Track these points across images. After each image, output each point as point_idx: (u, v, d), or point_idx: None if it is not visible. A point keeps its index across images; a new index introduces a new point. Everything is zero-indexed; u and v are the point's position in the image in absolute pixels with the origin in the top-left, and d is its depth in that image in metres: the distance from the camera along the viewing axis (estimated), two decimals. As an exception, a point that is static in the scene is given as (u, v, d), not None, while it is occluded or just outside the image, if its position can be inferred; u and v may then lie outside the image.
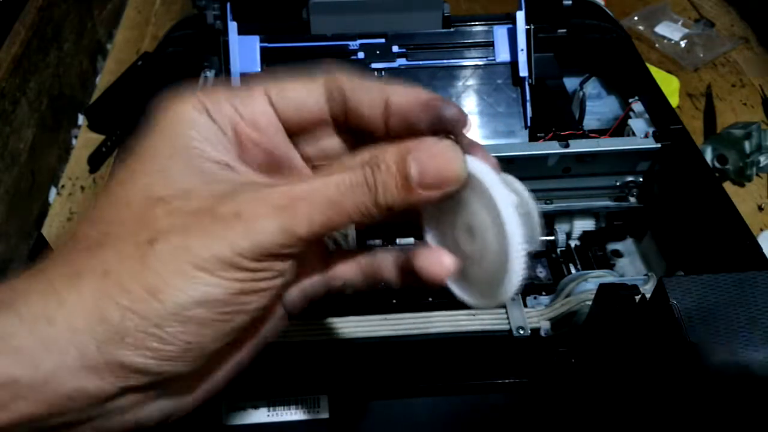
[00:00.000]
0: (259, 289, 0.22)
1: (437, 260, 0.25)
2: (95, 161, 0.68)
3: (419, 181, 0.22)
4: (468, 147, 0.24)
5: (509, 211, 0.23)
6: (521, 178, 0.25)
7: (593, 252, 0.52)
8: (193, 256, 0.21)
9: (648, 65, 0.59)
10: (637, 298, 0.36)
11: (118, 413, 0.22)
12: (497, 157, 0.26)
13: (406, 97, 0.24)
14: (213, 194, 0.22)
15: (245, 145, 0.25)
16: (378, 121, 0.25)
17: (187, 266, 0.21)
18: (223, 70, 0.56)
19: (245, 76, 0.55)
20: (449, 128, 0.24)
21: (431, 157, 0.22)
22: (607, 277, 0.45)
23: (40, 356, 0.20)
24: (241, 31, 0.56)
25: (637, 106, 0.54)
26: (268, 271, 0.22)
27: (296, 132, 0.26)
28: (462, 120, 0.24)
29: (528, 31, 0.57)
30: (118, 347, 0.20)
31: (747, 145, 0.66)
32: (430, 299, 0.44)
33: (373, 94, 0.25)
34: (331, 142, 0.27)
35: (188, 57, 0.58)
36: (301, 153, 0.27)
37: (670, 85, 0.75)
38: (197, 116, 0.24)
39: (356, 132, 0.26)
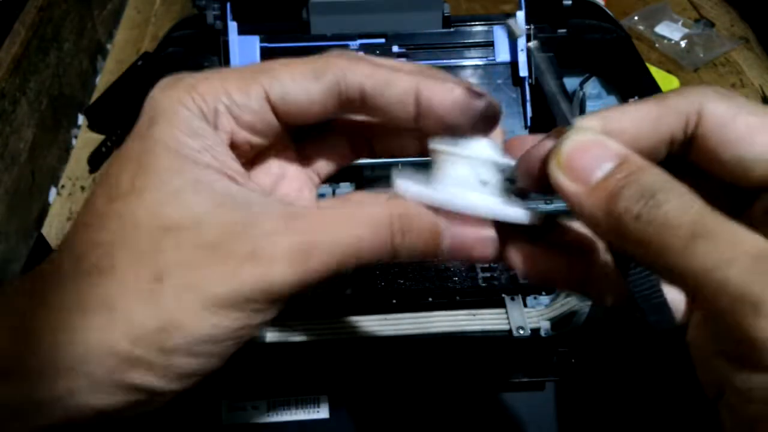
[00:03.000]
0: (261, 321, 0.22)
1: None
2: (95, 161, 0.68)
3: (447, 253, 0.23)
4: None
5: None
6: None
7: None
8: (203, 294, 0.20)
9: (648, 65, 0.59)
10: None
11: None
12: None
13: (441, 97, 0.23)
14: (225, 225, 0.21)
15: (241, 148, 0.24)
16: (408, 121, 0.23)
17: (196, 305, 0.20)
18: (223, 70, 0.56)
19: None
20: (488, 125, 0.24)
21: (468, 236, 0.23)
22: (607, 277, 0.45)
23: (53, 378, 0.20)
24: (241, 31, 0.56)
25: (637, 106, 0.54)
26: (271, 307, 0.22)
27: (292, 125, 0.25)
28: (498, 114, 0.24)
29: (528, 31, 0.57)
30: (128, 372, 0.21)
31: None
32: (430, 299, 0.44)
33: (402, 91, 0.23)
34: (330, 136, 0.27)
35: (188, 57, 0.58)
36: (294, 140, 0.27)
37: (670, 85, 0.74)
38: (198, 124, 0.23)
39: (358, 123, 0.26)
